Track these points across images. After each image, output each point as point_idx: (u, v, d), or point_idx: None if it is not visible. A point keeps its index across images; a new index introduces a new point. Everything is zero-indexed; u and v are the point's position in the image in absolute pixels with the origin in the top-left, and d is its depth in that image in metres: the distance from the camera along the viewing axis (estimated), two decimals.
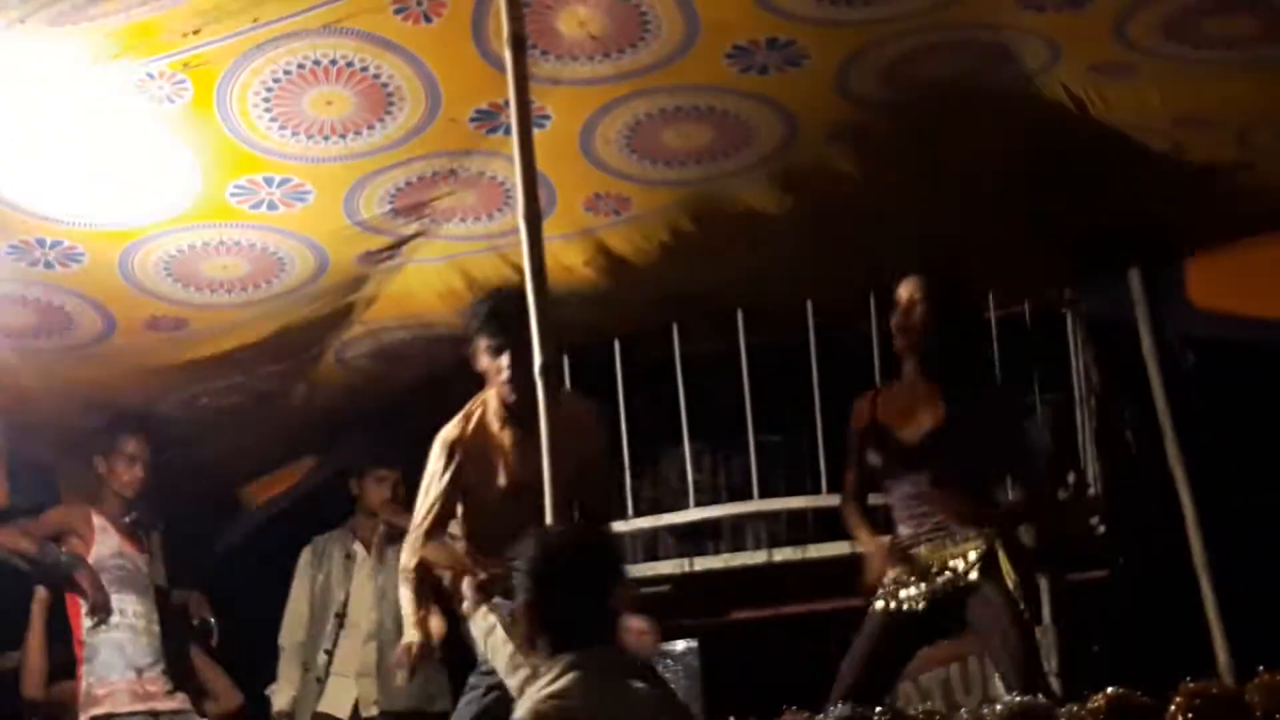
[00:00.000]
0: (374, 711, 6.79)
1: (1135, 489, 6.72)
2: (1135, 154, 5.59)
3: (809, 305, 6.77)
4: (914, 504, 5.22)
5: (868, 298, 6.73)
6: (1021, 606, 4.99)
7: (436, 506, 5.22)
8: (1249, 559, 6.17)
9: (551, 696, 3.48)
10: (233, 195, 5.39)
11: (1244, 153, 5.64)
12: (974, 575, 5.03)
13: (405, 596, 5.31)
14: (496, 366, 5.10)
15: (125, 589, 6.37)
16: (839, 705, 4.41)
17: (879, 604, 5.16)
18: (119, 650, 6.32)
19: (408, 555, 5.28)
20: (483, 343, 5.14)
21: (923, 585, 5.11)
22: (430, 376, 6.55)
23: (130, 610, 6.37)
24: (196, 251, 5.69)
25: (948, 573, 5.09)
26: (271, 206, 5.46)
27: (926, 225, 5.98)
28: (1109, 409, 6.80)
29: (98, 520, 6.45)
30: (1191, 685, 4.33)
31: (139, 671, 6.32)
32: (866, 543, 5.37)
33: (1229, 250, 6.24)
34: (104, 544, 6.41)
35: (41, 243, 5.48)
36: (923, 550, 5.16)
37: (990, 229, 6.06)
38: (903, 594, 5.13)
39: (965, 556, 5.09)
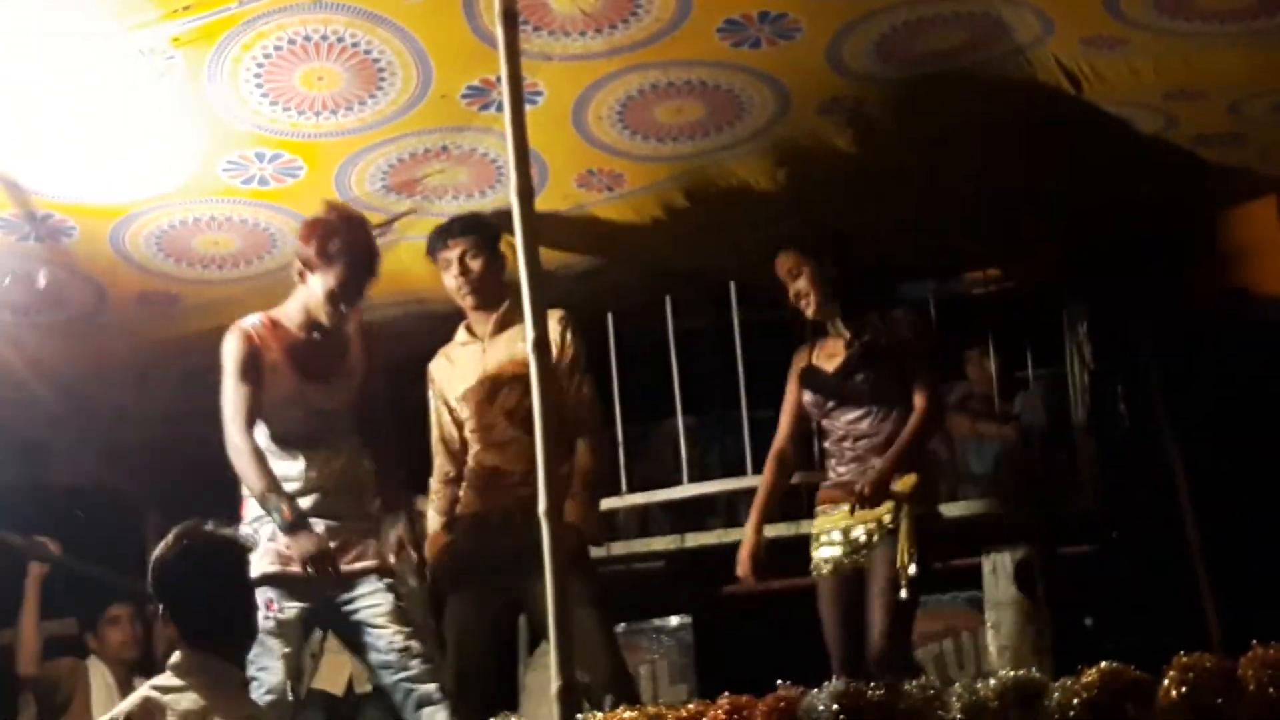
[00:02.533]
0: (368, 688, 6.77)
1: (1128, 463, 6.73)
2: (1127, 128, 5.58)
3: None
4: (843, 445, 5.60)
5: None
6: (902, 584, 5.27)
7: None
8: (1241, 533, 6.18)
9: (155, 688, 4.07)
10: (224, 171, 5.38)
11: (1235, 124, 5.63)
12: (875, 540, 5.43)
13: None
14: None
15: None
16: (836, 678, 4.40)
17: (815, 572, 5.61)
18: None
19: None
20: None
21: (836, 549, 5.54)
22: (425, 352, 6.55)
23: None
24: (188, 227, 5.69)
25: (855, 537, 5.51)
26: (263, 182, 5.45)
27: (919, 199, 5.99)
28: (1102, 384, 6.81)
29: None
30: (1184, 659, 4.33)
31: None
32: (749, 534, 5.73)
33: (1221, 224, 6.24)
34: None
35: (32, 216, 5.47)
36: (834, 515, 5.57)
37: (983, 203, 6.05)
38: (819, 556, 5.59)
39: (868, 523, 5.48)
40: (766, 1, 4.90)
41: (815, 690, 4.33)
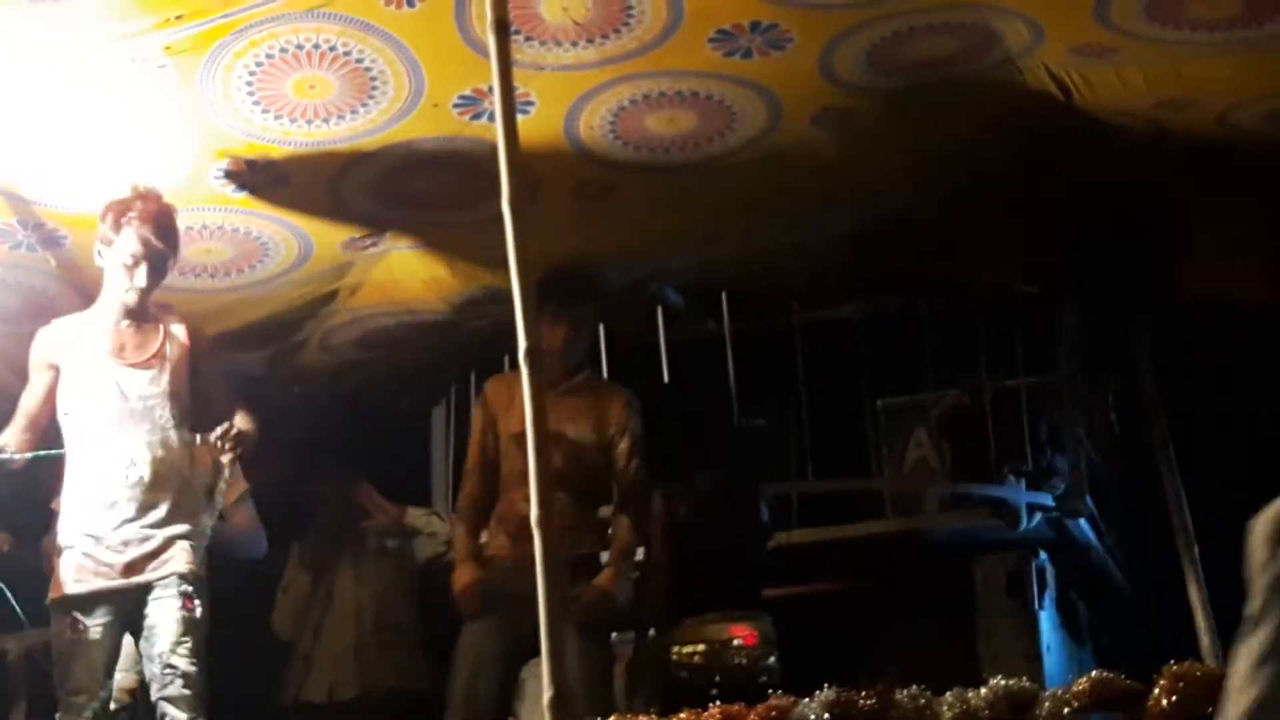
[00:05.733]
0: (352, 694, 6.76)
1: (1120, 469, 6.74)
2: (1117, 137, 5.59)
3: (794, 290, 6.78)
4: None
5: (853, 281, 6.74)
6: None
7: None
8: (1234, 539, 6.18)
9: None
10: (216, 179, 5.39)
11: (1224, 133, 5.64)
12: None
13: None
14: None
15: None
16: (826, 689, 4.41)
17: None
18: None
19: None
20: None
21: None
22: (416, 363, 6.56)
23: None
24: (180, 236, 5.69)
25: None
26: (255, 190, 5.45)
27: (911, 208, 6.00)
28: (1094, 389, 6.82)
29: None
30: (1175, 667, 4.34)
31: None
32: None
33: (1212, 231, 6.25)
34: None
35: (24, 225, 5.47)
36: None
37: (975, 211, 6.06)
38: None
39: None
40: (758, 12, 4.90)
41: (806, 699, 4.34)
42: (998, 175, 5.81)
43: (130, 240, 5.10)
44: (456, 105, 5.17)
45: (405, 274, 6.14)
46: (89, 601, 5.04)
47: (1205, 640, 5.78)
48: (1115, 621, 6.58)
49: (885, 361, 7.26)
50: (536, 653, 5.59)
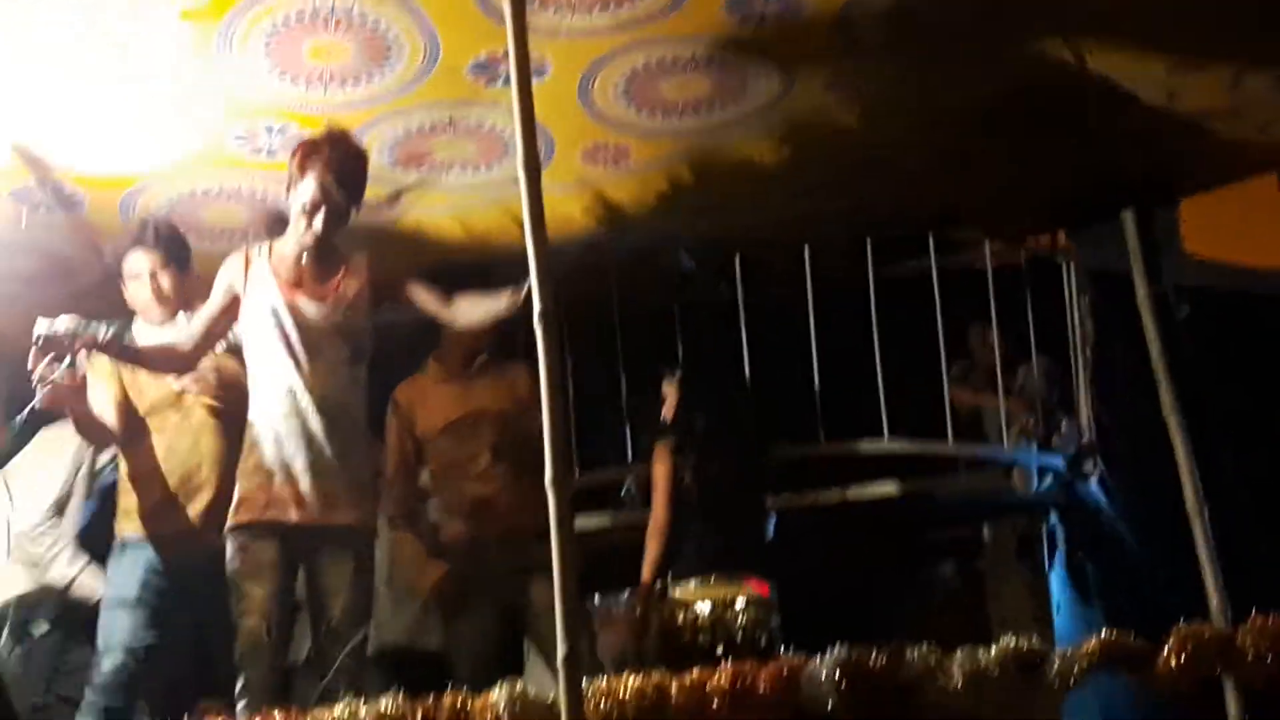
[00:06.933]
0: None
1: (1129, 437, 6.76)
2: (1128, 99, 5.60)
3: (805, 255, 6.81)
4: None
5: (864, 246, 6.76)
6: None
7: None
8: (1242, 504, 6.21)
9: None
10: (234, 141, 5.42)
11: (1236, 98, 5.65)
12: None
13: None
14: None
15: None
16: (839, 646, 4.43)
17: None
18: None
19: None
20: None
21: None
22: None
23: None
24: (197, 198, 5.74)
25: None
26: (271, 154, 5.48)
27: (922, 170, 6.01)
28: (1103, 358, 6.83)
29: None
30: (1184, 628, 4.37)
31: None
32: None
33: (1221, 197, 6.26)
34: None
35: (42, 185, 5.50)
36: None
37: (985, 177, 6.08)
38: None
39: None
40: None
41: (817, 657, 4.37)
42: (1008, 140, 5.82)
43: (310, 186, 5.07)
44: (472, 70, 5.19)
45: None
46: (260, 531, 5.04)
47: (1214, 601, 5.81)
48: (1125, 582, 6.60)
49: (895, 328, 7.27)
50: (522, 631, 5.74)
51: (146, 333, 5.51)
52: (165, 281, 5.48)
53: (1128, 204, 6.27)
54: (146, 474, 5.43)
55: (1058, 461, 6.93)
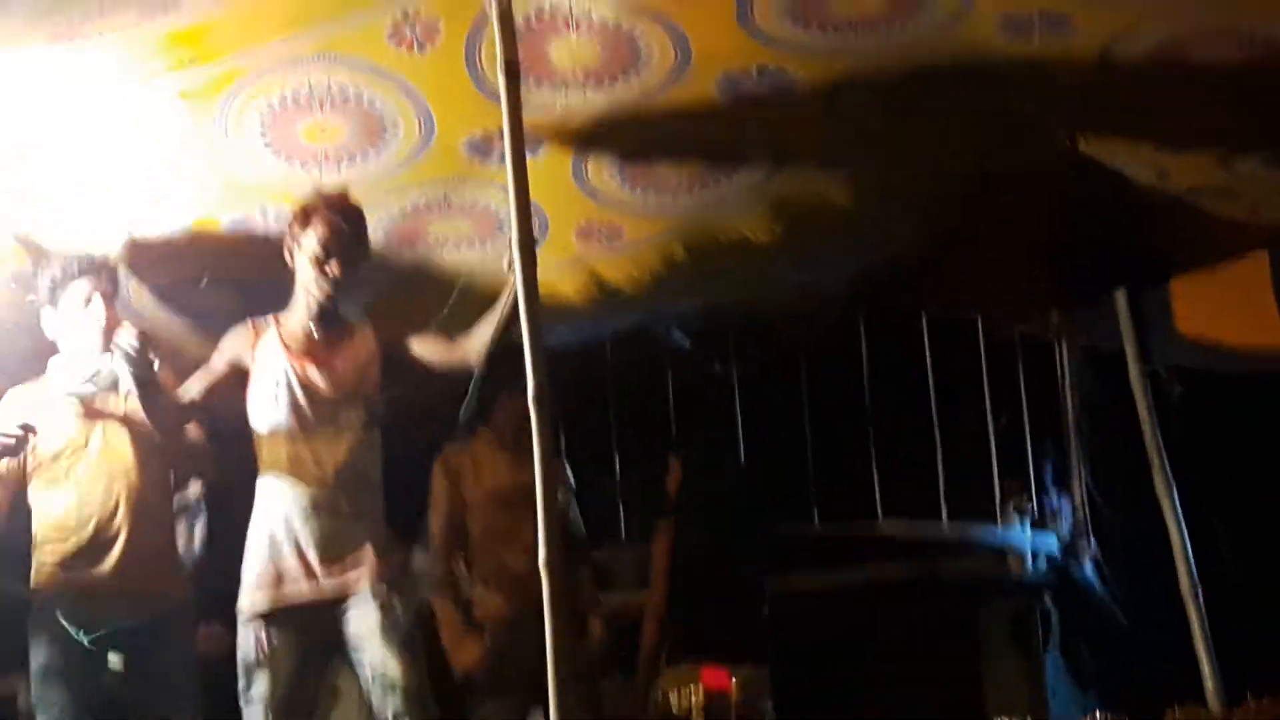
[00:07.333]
0: None
1: (1122, 516, 6.75)
2: (1119, 179, 5.62)
3: (801, 332, 6.82)
4: None
5: (858, 323, 6.77)
6: None
7: None
8: (1235, 585, 6.19)
9: None
10: (229, 228, 5.42)
11: (1228, 178, 5.67)
12: None
13: None
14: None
15: None
16: None
17: None
18: None
19: None
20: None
21: None
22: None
23: None
24: (191, 282, 5.72)
25: None
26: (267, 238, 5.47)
27: (914, 249, 6.03)
28: (1096, 437, 6.84)
29: None
30: (1179, 711, 4.35)
31: None
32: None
33: (1212, 276, 6.28)
34: None
35: (38, 268, 5.48)
36: None
37: (976, 251, 6.10)
38: None
39: None
40: (764, 56, 4.93)
41: None
42: (1000, 219, 5.84)
43: (316, 236, 4.98)
44: (467, 148, 5.20)
45: None
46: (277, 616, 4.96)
47: (1209, 684, 5.79)
48: (1119, 665, 6.58)
49: (890, 404, 7.28)
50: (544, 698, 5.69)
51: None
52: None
53: (1120, 283, 6.30)
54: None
55: (1052, 543, 6.91)
